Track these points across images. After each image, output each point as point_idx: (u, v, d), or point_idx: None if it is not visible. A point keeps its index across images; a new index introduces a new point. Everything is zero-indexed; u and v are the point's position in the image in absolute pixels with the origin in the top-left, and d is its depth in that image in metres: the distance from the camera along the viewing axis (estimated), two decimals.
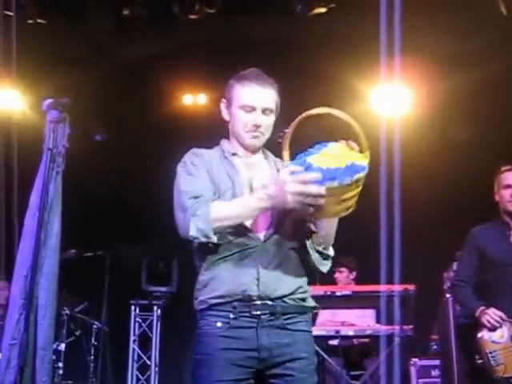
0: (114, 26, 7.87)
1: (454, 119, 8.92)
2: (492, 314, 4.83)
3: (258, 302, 2.95)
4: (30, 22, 7.50)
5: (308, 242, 3.10)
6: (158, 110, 8.85)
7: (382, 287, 6.13)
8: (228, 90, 3.20)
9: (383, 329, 6.31)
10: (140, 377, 8.86)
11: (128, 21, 7.62)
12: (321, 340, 6.60)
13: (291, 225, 3.07)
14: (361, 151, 2.77)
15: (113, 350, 7.94)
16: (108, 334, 7.76)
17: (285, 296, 2.99)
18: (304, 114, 2.82)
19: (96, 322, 7.66)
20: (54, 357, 6.32)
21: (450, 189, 8.44)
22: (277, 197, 2.78)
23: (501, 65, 7.98)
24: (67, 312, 7.23)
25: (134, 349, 8.93)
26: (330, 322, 6.58)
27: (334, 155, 2.72)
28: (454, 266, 6.01)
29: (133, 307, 8.95)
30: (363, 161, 2.74)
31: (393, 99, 8.55)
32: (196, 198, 2.97)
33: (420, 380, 6.71)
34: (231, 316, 2.94)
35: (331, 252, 3.17)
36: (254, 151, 3.22)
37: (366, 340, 7.00)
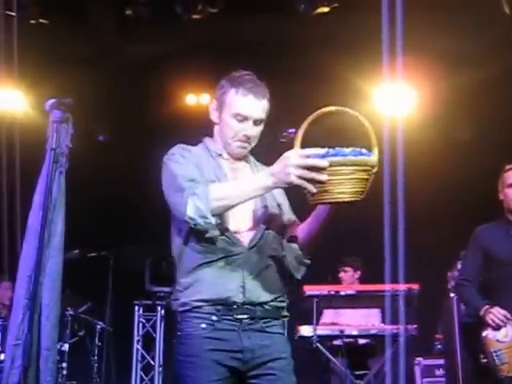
0: (116, 25, 7.87)
1: (457, 119, 8.92)
2: (496, 313, 4.83)
3: (241, 307, 2.98)
4: (32, 22, 7.50)
5: (286, 247, 3.14)
6: (160, 109, 8.86)
7: (386, 286, 6.13)
8: (220, 93, 3.16)
9: (387, 328, 6.30)
10: (144, 377, 8.85)
11: (130, 21, 7.62)
12: (325, 340, 6.60)
13: (275, 232, 3.11)
14: (369, 149, 2.74)
15: (116, 350, 7.95)
16: (112, 334, 7.77)
17: (265, 303, 3.03)
18: (317, 113, 2.74)
19: (100, 323, 7.67)
20: (57, 357, 6.32)
21: (453, 188, 8.44)
22: (279, 172, 2.72)
23: (504, 64, 7.98)
24: (71, 312, 7.24)
25: (137, 349, 8.92)
26: (334, 321, 6.59)
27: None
28: (458, 265, 6.00)
29: (136, 307, 8.94)
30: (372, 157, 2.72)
31: (396, 99, 8.55)
32: (193, 180, 2.95)
33: (424, 379, 6.72)
34: (214, 318, 2.96)
35: (308, 261, 3.18)
36: (239, 158, 3.22)
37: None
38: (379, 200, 5.59)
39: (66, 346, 7.04)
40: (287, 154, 2.71)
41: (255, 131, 3.13)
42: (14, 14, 6.91)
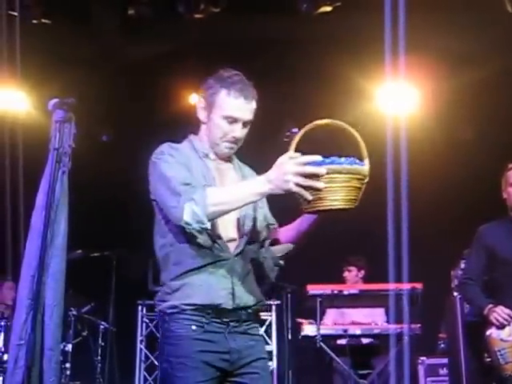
0: (118, 25, 7.86)
1: (460, 118, 8.90)
2: (500, 312, 4.83)
3: (230, 312, 3.03)
4: (35, 22, 7.48)
5: (266, 250, 3.21)
6: (164, 109, 8.84)
7: (390, 286, 6.13)
8: (209, 92, 3.17)
9: (391, 328, 6.30)
10: (147, 377, 8.85)
11: (133, 20, 7.60)
12: (328, 339, 6.60)
13: (257, 237, 3.17)
14: (360, 159, 2.78)
15: (120, 350, 7.93)
16: (115, 334, 7.75)
17: (249, 307, 3.10)
18: (312, 124, 2.78)
19: (103, 323, 7.66)
20: (61, 357, 6.31)
21: (456, 187, 8.43)
22: (277, 179, 2.73)
23: (507, 64, 7.97)
24: (74, 312, 7.24)
25: (141, 349, 8.92)
26: (337, 321, 6.59)
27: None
28: (462, 264, 6.00)
29: (140, 307, 8.95)
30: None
31: (398, 98, 8.54)
32: (187, 184, 2.95)
33: (428, 379, 6.71)
34: (204, 320, 3.00)
35: (282, 262, 3.26)
36: (224, 159, 3.24)
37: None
38: (383, 199, 5.60)
39: (69, 346, 7.05)
40: (282, 160, 2.73)
41: (243, 132, 3.16)
42: (16, 14, 6.92)
